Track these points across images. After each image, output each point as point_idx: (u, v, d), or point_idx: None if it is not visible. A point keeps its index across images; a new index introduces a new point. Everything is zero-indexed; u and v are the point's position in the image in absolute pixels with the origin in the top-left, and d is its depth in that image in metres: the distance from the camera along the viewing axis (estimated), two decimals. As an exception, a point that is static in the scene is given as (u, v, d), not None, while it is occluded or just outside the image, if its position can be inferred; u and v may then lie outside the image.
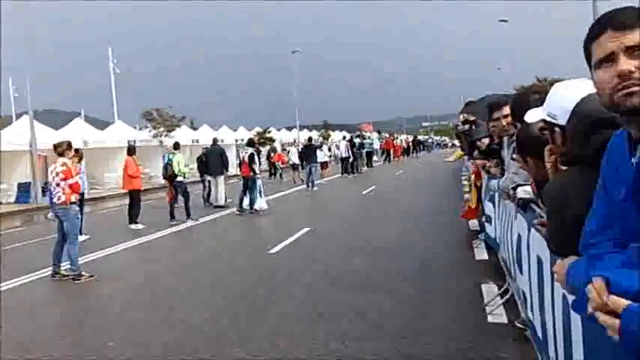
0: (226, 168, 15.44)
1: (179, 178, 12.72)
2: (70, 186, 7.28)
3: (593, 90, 2.01)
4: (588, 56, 1.46)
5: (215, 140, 16.63)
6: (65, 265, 7.34)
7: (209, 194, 15.63)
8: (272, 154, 28.43)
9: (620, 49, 1.32)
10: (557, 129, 2.23)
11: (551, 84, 3.00)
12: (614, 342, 1.62)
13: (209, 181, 15.55)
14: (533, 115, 2.49)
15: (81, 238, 7.75)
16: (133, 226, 11.89)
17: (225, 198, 15.32)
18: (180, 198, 12.76)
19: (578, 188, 1.89)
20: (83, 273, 7.22)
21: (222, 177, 15.16)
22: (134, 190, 12.40)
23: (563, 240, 1.96)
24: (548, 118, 2.25)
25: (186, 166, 13.32)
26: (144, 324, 5.28)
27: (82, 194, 7.77)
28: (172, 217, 12.25)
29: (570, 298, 2.12)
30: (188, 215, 12.35)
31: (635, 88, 1.28)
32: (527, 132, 2.57)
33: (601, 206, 1.59)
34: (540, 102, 2.73)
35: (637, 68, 1.28)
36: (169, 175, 12.81)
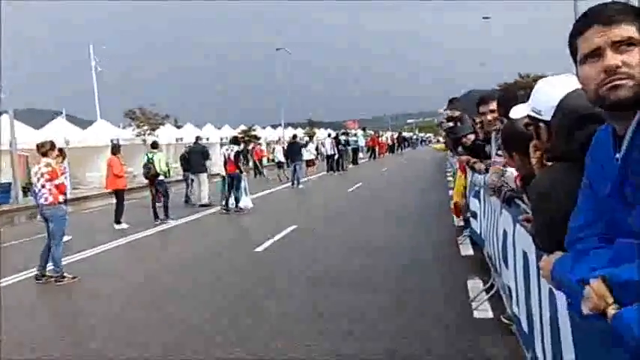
0: (205, 166, 15.19)
1: (160, 177, 12.62)
2: (57, 186, 7.16)
3: (578, 85, 2.02)
4: (573, 51, 1.45)
5: (197, 138, 16.47)
6: (49, 267, 7.22)
7: (189, 193, 15.53)
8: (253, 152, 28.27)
9: (606, 43, 1.31)
10: (542, 125, 2.23)
11: (535, 80, 3.03)
12: (603, 337, 1.64)
13: (192, 180, 15.44)
14: (518, 112, 2.50)
15: (64, 238, 7.61)
16: (117, 226, 11.72)
17: (209, 196, 15.20)
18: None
19: (564, 184, 1.89)
20: (65, 274, 7.10)
21: (204, 175, 15.00)
22: (120, 190, 12.20)
23: (549, 236, 1.97)
24: (532, 114, 2.26)
25: (167, 164, 13.21)
26: (126, 324, 5.21)
27: (65, 194, 7.63)
28: (156, 216, 12.14)
29: (557, 293, 2.14)
30: (167, 215, 12.17)
31: (621, 82, 1.28)
32: (512, 127, 2.58)
33: (586, 202, 1.59)
34: (526, 98, 2.74)
35: (623, 63, 1.28)
36: (151, 174, 12.64)
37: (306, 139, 29.58)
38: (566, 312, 2.00)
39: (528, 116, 2.30)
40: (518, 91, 2.82)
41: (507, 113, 3.09)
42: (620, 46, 1.29)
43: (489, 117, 4.46)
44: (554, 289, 2.21)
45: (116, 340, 4.76)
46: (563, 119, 1.97)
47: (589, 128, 1.85)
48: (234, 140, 14.85)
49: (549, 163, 2.16)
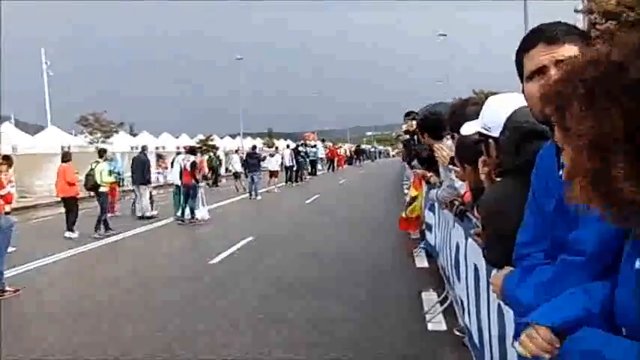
0: (145, 177, 14.71)
1: (102, 189, 12.04)
2: (2, 197, 6.82)
3: (523, 104, 2.08)
4: (520, 67, 1.49)
5: (143, 148, 15.94)
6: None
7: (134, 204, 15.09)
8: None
9: (551, 62, 1.35)
10: (491, 141, 2.28)
11: (487, 97, 3.10)
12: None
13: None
14: (468, 129, 2.54)
15: (10, 249, 7.24)
16: (68, 233, 11.32)
17: (152, 208, 14.74)
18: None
19: (512, 198, 1.93)
20: (7, 288, 6.75)
21: (144, 187, 14.46)
22: (71, 198, 11.86)
23: (498, 250, 2.00)
24: (483, 131, 2.31)
25: (112, 174, 12.75)
26: (71, 341, 4.97)
27: (9, 204, 7.27)
28: (107, 227, 11.68)
29: (505, 309, 2.17)
30: (96, 229, 11.45)
31: None
32: (464, 140, 2.62)
33: (532, 218, 1.62)
34: (477, 114, 2.80)
35: None
36: (91, 185, 12.12)
37: (273, 149, 29.37)
38: (512, 325, 2.03)
39: (479, 133, 2.35)
40: (471, 106, 2.86)
41: (457, 129, 3.15)
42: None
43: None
44: (502, 306, 2.25)
45: (54, 355, 4.54)
46: (510, 135, 2.02)
47: (535, 144, 1.90)
48: (191, 150, 14.57)
49: (498, 179, 2.21)
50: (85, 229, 11.90)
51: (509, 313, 2.10)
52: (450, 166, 3.16)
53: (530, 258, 1.57)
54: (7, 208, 6.98)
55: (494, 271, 1.89)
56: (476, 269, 3.00)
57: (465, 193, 3.20)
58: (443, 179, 4.62)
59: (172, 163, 15.25)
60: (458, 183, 3.69)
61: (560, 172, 1.39)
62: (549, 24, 1.43)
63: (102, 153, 13.04)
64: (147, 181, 14.71)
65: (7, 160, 8.90)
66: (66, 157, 12.88)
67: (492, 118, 2.25)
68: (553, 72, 1.33)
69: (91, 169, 12.29)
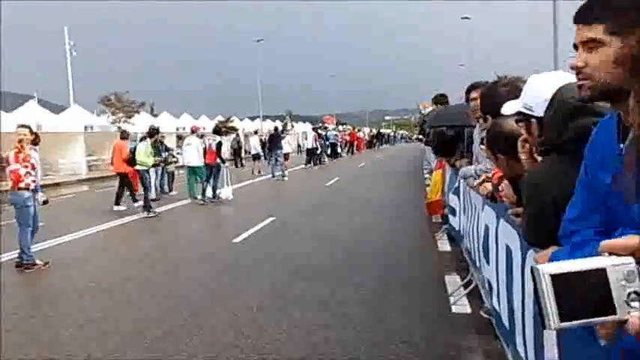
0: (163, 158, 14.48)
1: (138, 167, 11.95)
2: (11, 173, 6.91)
3: (569, 80, 2.03)
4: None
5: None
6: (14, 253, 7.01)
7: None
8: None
9: (579, 42, 1.36)
10: (533, 120, 2.23)
11: (511, 81, 3.03)
12: (588, 334, 1.64)
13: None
14: (509, 108, 2.49)
15: (41, 223, 7.37)
16: (116, 207, 12.14)
17: (171, 188, 14.88)
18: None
19: (555, 175, 1.89)
20: (37, 261, 6.92)
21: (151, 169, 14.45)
22: (125, 173, 12.47)
23: (538, 227, 1.97)
24: (524, 110, 2.26)
25: (153, 155, 12.41)
26: (102, 314, 5.09)
27: (22, 181, 7.11)
28: (148, 208, 11.46)
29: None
30: (144, 208, 11.52)
31: (581, 82, 1.35)
32: (499, 128, 2.57)
33: (583, 193, 1.58)
34: (509, 94, 2.75)
35: (586, 63, 1.32)
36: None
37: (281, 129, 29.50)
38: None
39: (520, 112, 2.30)
40: (503, 87, 2.81)
41: (489, 111, 3.09)
42: (589, 45, 1.33)
43: (472, 104, 4.52)
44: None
45: (81, 329, 4.66)
46: (556, 112, 1.97)
47: (582, 121, 1.85)
48: (216, 130, 14.57)
49: (540, 159, 2.16)
50: (105, 205, 12.12)
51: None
52: (482, 146, 3.10)
53: (579, 234, 1.54)
54: (22, 184, 6.85)
55: (540, 252, 1.86)
56: (508, 250, 2.97)
57: (495, 173, 3.14)
58: (475, 161, 4.57)
59: (184, 145, 14.91)
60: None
61: (621, 146, 1.36)
62: (585, 3, 1.40)
63: (152, 133, 12.75)
64: (156, 163, 14.47)
65: (36, 137, 8.82)
66: (123, 134, 13.65)
67: (535, 96, 2.20)
68: (577, 53, 1.35)
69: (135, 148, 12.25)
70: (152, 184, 14.54)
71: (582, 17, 1.35)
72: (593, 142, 1.54)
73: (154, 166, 12.81)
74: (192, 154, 13.77)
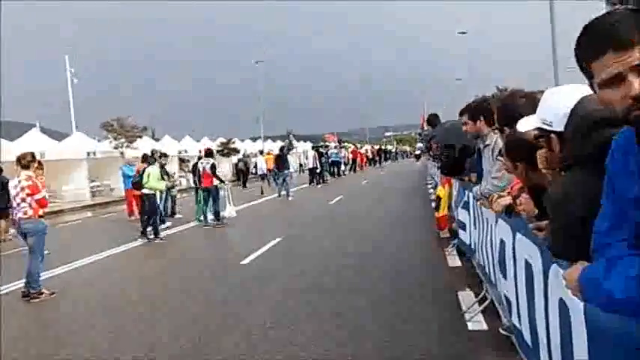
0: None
1: (145, 191, 11.79)
2: (38, 201, 6.93)
3: (586, 92, 2.01)
4: (587, 70, 1.38)
5: (153, 152, 15.12)
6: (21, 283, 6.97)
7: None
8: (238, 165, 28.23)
9: (626, 69, 1.24)
10: (553, 135, 2.21)
11: (516, 94, 3.02)
12: (622, 349, 1.60)
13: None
14: (525, 124, 2.47)
15: (46, 251, 7.35)
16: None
17: (175, 211, 14.95)
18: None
19: (580, 188, 1.87)
20: (44, 291, 6.86)
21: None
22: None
23: (566, 240, 1.94)
24: (543, 126, 2.23)
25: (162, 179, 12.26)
26: (113, 336, 5.03)
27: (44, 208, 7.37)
28: (155, 233, 11.36)
29: (570, 303, 2.10)
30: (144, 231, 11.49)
31: None
32: (519, 136, 2.55)
33: (611, 205, 1.55)
34: (527, 106, 2.73)
35: None
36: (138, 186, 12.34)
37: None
38: (583, 322, 1.96)
39: (539, 128, 2.28)
40: (520, 99, 2.78)
41: (507, 123, 3.08)
42: None
43: (464, 127, 4.66)
44: (565, 299, 2.17)
45: (92, 352, 4.59)
46: (579, 124, 1.95)
47: (605, 132, 1.83)
48: (209, 153, 14.56)
49: (563, 174, 2.14)
50: (116, 233, 12.06)
51: (575, 309, 2.03)
52: (499, 157, 3.08)
53: (612, 247, 1.51)
54: (41, 212, 7.07)
55: (554, 265, 1.82)
56: (528, 265, 2.92)
57: (514, 185, 3.11)
58: (487, 174, 4.54)
59: (193, 168, 15.17)
60: (504, 178, 3.62)
61: None
62: (609, 22, 1.27)
63: (160, 156, 13.30)
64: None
65: (40, 165, 9.02)
66: (144, 158, 14.31)
67: (553, 112, 2.18)
68: (633, 81, 1.23)
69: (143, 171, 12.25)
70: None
71: (621, 43, 1.23)
72: (616, 154, 1.51)
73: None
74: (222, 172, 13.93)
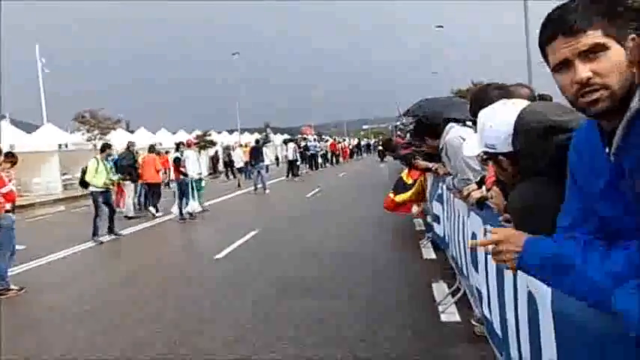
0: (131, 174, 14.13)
1: (91, 188, 10.60)
2: (4, 195, 6.73)
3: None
4: (545, 57, 1.39)
5: (129, 145, 15.09)
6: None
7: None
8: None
9: (573, 55, 1.27)
10: (501, 157, 2.21)
11: (490, 86, 3.03)
12: (591, 338, 1.62)
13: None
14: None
15: (18, 247, 7.16)
16: (152, 209, 13.66)
17: (135, 207, 14.44)
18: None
19: (542, 199, 1.86)
20: (12, 287, 6.69)
21: (130, 184, 14.11)
22: (157, 183, 14.16)
23: None
24: (488, 150, 2.24)
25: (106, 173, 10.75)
26: (84, 339, 4.93)
27: (13, 202, 7.16)
28: (111, 231, 10.72)
29: (537, 293, 2.12)
30: (94, 234, 10.38)
31: (596, 95, 1.25)
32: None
33: (574, 201, 1.56)
34: (501, 98, 2.73)
35: (594, 73, 1.24)
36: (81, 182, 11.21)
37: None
38: (549, 313, 1.98)
39: (485, 152, 2.29)
40: (494, 91, 2.78)
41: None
42: (588, 54, 1.25)
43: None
44: (533, 292, 2.20)
45: (64, 357, 4.51)
46: (526, 139, 1.95)
47: (554, 139, 1.83)
48: (177, 146, 14.35)
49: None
50: (88, 228, 11.82)
51: (542, 300, 2.06)
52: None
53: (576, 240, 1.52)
54: (8, 206, 6.87)
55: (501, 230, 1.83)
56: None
57: (489, 178, 3.13)
58: (452, 170, 4.58)
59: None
60: (474, 171, 3.64)
61: (607, 150, 1.34)
62: (564, 10, 1.30)
63: (103, 148, 11.30)
64: (132, 179, 14.13)
65: (12, 157, 8.74)
66: (152, 149, 15.24)
67: (494, 135, 2.18)
68: (578, 66, 1.25)
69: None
70: (131, 201, 14.35)
71: (571, 28, 1.26)
72: (577, 149, 1.51)
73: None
74: (192, 167, 13.65)
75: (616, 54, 1.22)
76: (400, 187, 8.72)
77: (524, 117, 1.95)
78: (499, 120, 2.14)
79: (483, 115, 2.32)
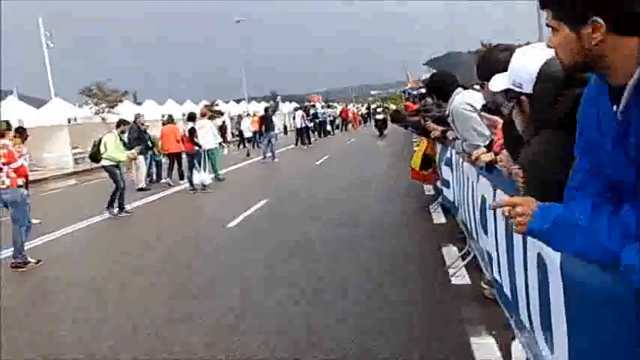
0: (147, 147, 14.12)
1: (104, 162, 10.40)
2: (15, 170, 6.79)
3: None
4: None
5: (136, 117, 14.69)
6: (7, 253, 6.92)
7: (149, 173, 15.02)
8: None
9: (547, 24, 1.43)
10: (523, 97, 2.18)
11: (496, 47, 2.96)
12: (598, 300, 1.62)
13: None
14: (497, 84, 2.43)
15: (33, 222, 7.26)
16: (169, 179, 14.26)
17: (146, 180, 14.27)
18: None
19: (555, 153, 1.86)
20: (30, 259, 6.83)
21: (140, 157, 13.64)
22: (178, 153, 14.05)
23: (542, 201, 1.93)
24: (514, 88, 2.20)
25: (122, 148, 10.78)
26: (99, 306, 5.05)
27: (26, 177, 7.26)
28: (121, 208, 10.43)
29: (547, 257, 2.11)
30: (108, 206, 10.31)
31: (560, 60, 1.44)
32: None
33: (583, 159, 1.56)
34: (509, 60, 2.67)
35: (552, 43, 1.43)
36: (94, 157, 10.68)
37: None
38: (559, 275, 1.98)
39: (509, 90, 2.25)
40: (502, 52, 2.72)
41: (488, 77, 3.02)
42: (551, 27, 1.43)
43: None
44: (543, 254, 2.19)
45: (78, 324, 4.64)
46: (545, 86, 1.94)
47: (572, 92, 1.81)
48: (190, 117, 14.26)
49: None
50: (103, 200, 11.95)
51: (551, 262, 2.05)
52: (483, 114, 3.04)
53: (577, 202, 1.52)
54: (20, 182, 6.93)
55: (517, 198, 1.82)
56: (507, 221, 2.93)
57: (497, 141, 3.09)
58: (460, 136, 4.53)
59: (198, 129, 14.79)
60: (482, 136, 3.60)
61: (615, 108, 1.32)
62: None
63: (119, 123, 11.32)
64: (140, 152, 13.45)
65: (22, 133, 8.78)
66: (170, 119, 15.17)
67: (522, 74, 2.15)
68: (550, 36, 1.41)
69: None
70: (143, 172, 14.37)
71: (540, 2, 1.43)
72: (587, 104, 1.51)
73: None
74: (206, 137, 13.64)
75: (562, 35, 1.38)
76: (425, 162, 8.59)
77: (550, 63, 1.94)
78: (530, 60, 2.12)
79: (518, 52, 2.31)
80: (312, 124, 28.91)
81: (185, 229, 8.73)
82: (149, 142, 14.42)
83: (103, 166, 10.48)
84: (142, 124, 14.48)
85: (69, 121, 24.98)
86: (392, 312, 4.25)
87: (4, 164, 6.70)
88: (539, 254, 2.27)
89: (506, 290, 3.18)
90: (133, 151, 11.03)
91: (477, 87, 3.56)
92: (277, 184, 13.51)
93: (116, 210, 10.25)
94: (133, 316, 4.71)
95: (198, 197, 12.31)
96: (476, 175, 4.03)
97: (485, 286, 4.23)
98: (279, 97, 44.51)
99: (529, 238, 2.45)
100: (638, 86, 1.24)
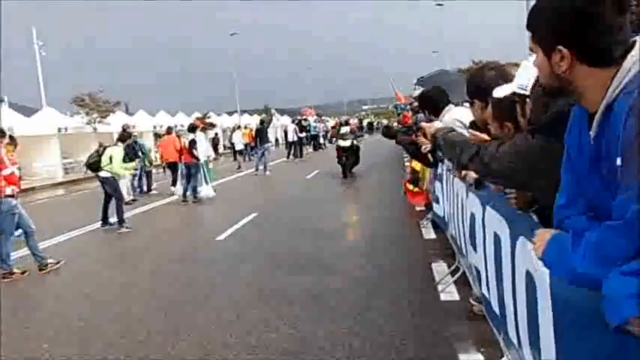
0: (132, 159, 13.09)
1: (103, 174, 10.12)
2: (5, 177, 6.69)
3: None
4: None
5: (124, 128, 14.05)
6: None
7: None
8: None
9: (529, 46, 1.49)
10: (528, 100, 2.25)
11: (485, 66, 3.02)
12: (586, 319, 1.62)
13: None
14: (502, 90, 2.48)
15: (16, 232, 7.14)
16: (172, 188, 14.23)
17: (128, 192, 13.68)
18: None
19: (540, 154, 1.91)
20: (15, 270, 6.74)
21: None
22: (175, 162, 14.39)
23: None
24: (520, 90, 2.27)
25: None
26: (84, 318, 4.98)
27: (16, 185, 7.09)
28: (120, 221, 9.98)
29: (536, 275, 2.12)
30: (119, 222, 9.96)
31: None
32: (501, 100, 2.56)
33: (568, 178, 1.60)
34: (496, 78, 2.72)
35: (535, 64, 1.50)
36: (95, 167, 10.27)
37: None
38: (548, 293, 1.98)
39: (515, 93, 2.31)
40: (489, 71, 2.77)
41: (475, 95, 3.06)
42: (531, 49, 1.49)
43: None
44: (532, 272, 2.20)
45: (62, 334, 4.58)
46: (538, 93, 2.00)
47: (559, 102, 1.85)
48: (191, 128, 14.29)
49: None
50: (91, 210, 11.84)
51: (540, 280, 2.06)
52: (471, 130, 3.06)
53: (572, 221, 1.54)
54: (9, 191, 6.80)
55: (520, 238, 1.85)
56: (496, 239, 2.95)
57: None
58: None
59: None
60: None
61: (590, 132, 1.36)
62: (531, 10, 1.49)
63: (125, 137, 11.07)
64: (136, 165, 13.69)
65: (12, 141, 8.68)
66: (169, 130, 16.04)
67: (529, 77, 2.22)
68: (536, 56, 1.46)
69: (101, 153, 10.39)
70: (128, 185, 14.25)
71: (526, 23, 1.47)
72: (572, 124, 1.56)
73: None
74: (201, 149, 13.53)
75: (539, 58, 1.44)
76: (412, 177, 8.80)
77: None
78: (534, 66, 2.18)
79: (525, 61, 2.40)
80: (304, 136, 28.95)
81: (174, 241, 8.67)
82: (140, 153, 14.36)
83: (102, 177, 10.12)
84: (134, 135, 14.43)
85: (59, 130, 24.84)
86: (381, 327, 4.24)
87: None
88: (527, 271, 2.28)
89: (495, 307, 3.18)
90: (133, 164, 11.23)
91: (467, 104, 3.59)
92: (267, 198, 13.48)
93: (115, 223, 9.89)
94: (121, 328, 4.65)
95: (189, 209, 12.25)
96: (465, 191, 4.05)
97: (474, 303, 4.23)
98: (273, 110, 44.67)
99: (516, 254, 2.47)
100: (605, 116, 1.29)
